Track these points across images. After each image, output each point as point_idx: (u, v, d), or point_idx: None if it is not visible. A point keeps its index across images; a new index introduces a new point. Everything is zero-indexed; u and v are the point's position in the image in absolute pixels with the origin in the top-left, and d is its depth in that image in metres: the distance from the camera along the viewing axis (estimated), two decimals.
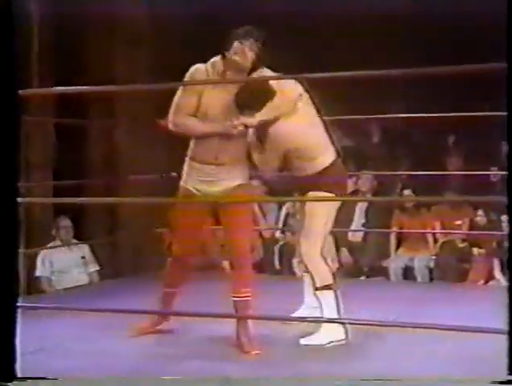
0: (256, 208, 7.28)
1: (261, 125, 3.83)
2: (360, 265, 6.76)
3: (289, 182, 5.55)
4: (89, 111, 6.79)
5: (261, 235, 7.23)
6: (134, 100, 6.35)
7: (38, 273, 6.14)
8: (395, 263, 6.62)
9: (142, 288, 5.09)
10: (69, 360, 3.63)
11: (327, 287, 3.93)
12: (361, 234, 6.93)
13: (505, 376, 2.20)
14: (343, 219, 6.94)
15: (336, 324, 3.92)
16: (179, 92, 3.86)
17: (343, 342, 3.88)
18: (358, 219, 6.92)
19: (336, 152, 4.03)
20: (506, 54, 2.22)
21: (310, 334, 3.91)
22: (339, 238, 6.83)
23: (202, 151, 3.87)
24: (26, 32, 6.16)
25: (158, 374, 3.39)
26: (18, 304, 2.69)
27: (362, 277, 6.67)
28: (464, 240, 6.45)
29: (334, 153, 4.01)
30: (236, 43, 3.73)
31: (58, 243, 6.23)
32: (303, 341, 3.90)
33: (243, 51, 3.72)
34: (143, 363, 3.63)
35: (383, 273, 6.66)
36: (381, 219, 6.82)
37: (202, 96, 3.79)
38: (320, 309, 3.95)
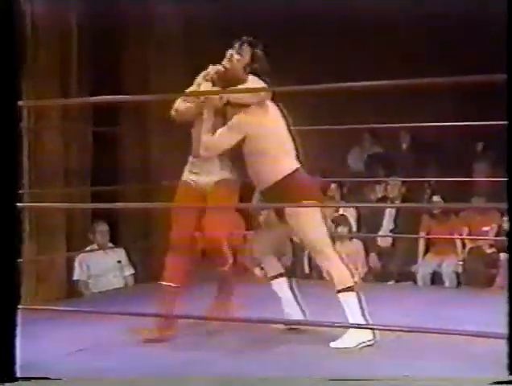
0: None
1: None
2: (388, 270, 6.87)
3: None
4: (124, 117, 6.92)
5: (291, 239, 7.34)
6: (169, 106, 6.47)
7: (76, 276, 6.26)
8: (423, 268, 6.71)
9: None
10: (106, 361, 3.79)
11: (348, 289, 4.03)
12: (390, 239, 7.03)
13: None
14: (372, 224, 7.11)
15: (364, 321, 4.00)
16: None
17: (371, 342, 3.98)
18: (387, 224, 7.04)
19: (299, 162, 4.20)
20: (506, 64, 2.30)
21: (339, 337, 4.02)
22: (368, 243, 6.96)
23: (192, 145, 4.25)
24: (66, 40, 6.32)
25: (191, 374, 3.50)
26: (20, 306, 2.82)
27: (391, 282, 6.77)
28: (491, 246, 6.52)
29: (296, 163, 4.16)
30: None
31: (95, 247, 6.35)
32: (332, 344, 3.99)
33: (231, 55, 4.13)
34: (178, 365, 3.73)
35: (412, 277, 6.75)
36: (410, 224, 6.92)
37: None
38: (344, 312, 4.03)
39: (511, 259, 2.45)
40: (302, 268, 7.10)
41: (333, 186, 7.35)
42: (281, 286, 4.35)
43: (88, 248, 6.37)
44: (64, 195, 6.05)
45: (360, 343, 3.97)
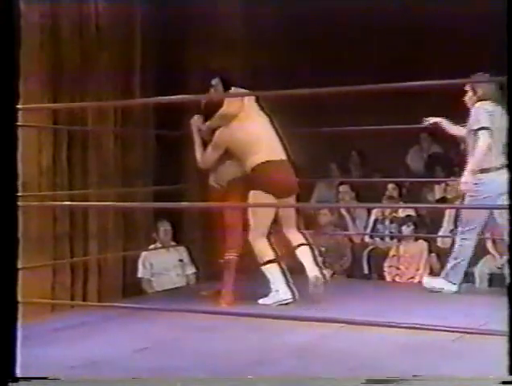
0: (345, 214, 7.46)
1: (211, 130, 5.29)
2: None
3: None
4: (187, 118, 6.98)
5: (350, 240, 7.37)
6: None
7: (139, 274, 6.37)
8: (483, 269, 6.65)
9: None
10: (170, 359, 3.84)
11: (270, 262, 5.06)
12: (449, 240, 6.99)
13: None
14: (432, 225, 7.07)
15: (285, 287, 4.99)
16: None
17: (289, 301, 4.96)
18: (447, 225, 7.00)
19: (277, 155, 5.09)
20: (507, 66, 2.31)
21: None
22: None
23: None
24: (129, 40, 6.48)
25: (248, 374, 3.49)
26: (19, 300, 2.87)
27: None
28: None
29: (269, 156, 5.03)
30: None
31: (158, 245, 6.45)
32: (260, 301, 5.01)
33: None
34: (239, 363, 3.76)
35: (471, 279, 6.68)
36: None
37: None
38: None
39: (511, 259, 2.48)
40: (361, 269, 7.12)
41: (391, 185, 7.34)
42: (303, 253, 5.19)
43: (151, 247, 6.47)
44: (125, 196, 6.15)
45: (277, 302, 4.96)
